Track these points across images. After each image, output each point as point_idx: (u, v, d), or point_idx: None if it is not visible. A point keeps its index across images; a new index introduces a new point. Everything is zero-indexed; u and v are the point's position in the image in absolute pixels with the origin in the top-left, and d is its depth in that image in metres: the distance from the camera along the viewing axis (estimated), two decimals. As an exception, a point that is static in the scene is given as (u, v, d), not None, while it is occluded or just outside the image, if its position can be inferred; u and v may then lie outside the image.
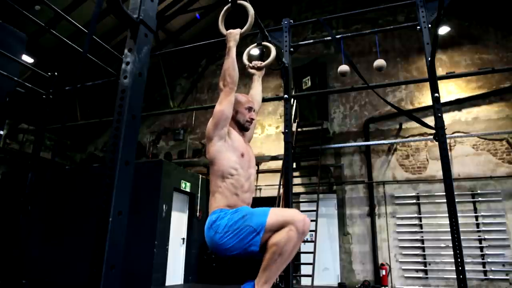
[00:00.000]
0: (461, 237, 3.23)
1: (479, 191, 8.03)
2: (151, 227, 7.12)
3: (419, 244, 8.15)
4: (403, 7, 8.64)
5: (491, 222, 7.78)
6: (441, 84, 7.52)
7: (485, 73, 7.01)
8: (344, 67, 4.81)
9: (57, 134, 10.17)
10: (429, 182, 8.44)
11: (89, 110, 10.21)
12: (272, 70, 4.72)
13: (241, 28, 2.36)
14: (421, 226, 8.25)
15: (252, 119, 2.30)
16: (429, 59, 3.66)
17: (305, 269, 7.82)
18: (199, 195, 8.82)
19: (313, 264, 7.47)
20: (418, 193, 8.47)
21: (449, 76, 7.38)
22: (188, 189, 8.45)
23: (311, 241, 7.86)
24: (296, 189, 8.77)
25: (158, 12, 2.78)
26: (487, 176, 8.06)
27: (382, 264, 8.17)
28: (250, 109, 2.29)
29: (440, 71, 8.56)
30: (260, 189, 9.60)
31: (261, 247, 1.85)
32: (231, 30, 2.32)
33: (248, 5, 2.51)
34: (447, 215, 3.26)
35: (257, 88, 2.60)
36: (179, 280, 8.06)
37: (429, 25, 3.85)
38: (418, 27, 3.93)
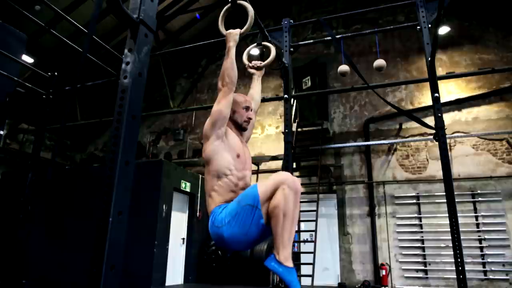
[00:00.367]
0: (461, 237, 3.23)
1: (479, 191, 8.03)
2: (151, 227, 7.12)
3: (419, 244, 8.15)
4: (403, 7, 8.63)
5: (491, 222, 7.79)
6: (441, 84, 7.52)
7: (485, 73, 7.01)
8: (344, 67, 4.82)
9: (57, 134, 10.17)
10: (429, 182, 8.44)
11: (89, 110, 10.19)
12: (272, 70, 4.72)
13: (241, 28, 2.36)
14: (421, 226, 8.25)
15: (250, 118, 2.29)
16: (429, 59, 3.67)
17: (305, 269, 7.81)
18: (199, 195, 8.82)
19: (313, 264, 7.48)
20: (418, 193, 8.47)
21: (449, 76, 7.39)
22: (188, 189, 8.44)
23: (311, 241, 7.87)
24: (296, 189, 8.76)
25: (158, 12, 2.78)
26: (487, 176, 8.06)
27: (382, 264, 8.16)
28: (247, 108, 2.28)
29: (440, 71, 8.56)
30: (260, 189, 9.57)
31: (267, 220, 1.88)
32: (230, 30, 2.32)
33: (248, 5, 2.51)
34: (447, 215, 3.27)
35: (256, 88, 2.60)
36: (179, 280, 8.05)
37: (429, 25, 3.86)
38: (418, 27, 3.94)
